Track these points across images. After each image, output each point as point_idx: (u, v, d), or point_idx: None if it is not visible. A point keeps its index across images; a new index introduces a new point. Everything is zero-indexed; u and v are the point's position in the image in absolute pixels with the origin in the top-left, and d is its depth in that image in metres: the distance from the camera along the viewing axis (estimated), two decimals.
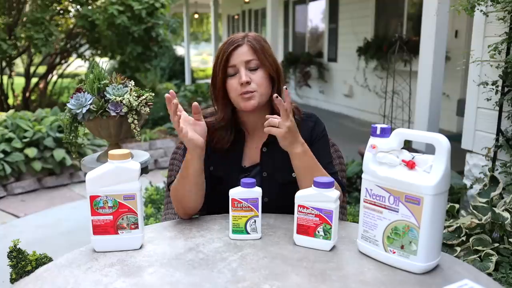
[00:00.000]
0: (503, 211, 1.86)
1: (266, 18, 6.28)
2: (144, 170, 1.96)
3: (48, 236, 3.14)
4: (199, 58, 24.00)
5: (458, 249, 1.82)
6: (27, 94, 6.61)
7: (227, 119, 1.30)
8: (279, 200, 1.23)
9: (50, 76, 7.01)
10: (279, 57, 9.31)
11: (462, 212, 2.23)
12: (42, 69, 7.33)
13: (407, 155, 0.96)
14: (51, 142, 4.19)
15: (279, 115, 1.16)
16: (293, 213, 1.05)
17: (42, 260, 1.50)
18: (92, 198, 1.00)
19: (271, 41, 1.30)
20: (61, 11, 6.13)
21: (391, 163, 0.95)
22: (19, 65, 8.84)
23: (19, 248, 1.50)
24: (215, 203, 1.30)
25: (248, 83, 1.22)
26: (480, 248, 1.78)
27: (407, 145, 1.90)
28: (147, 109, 1.80)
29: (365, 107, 7.01)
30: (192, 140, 1.12)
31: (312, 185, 1.02)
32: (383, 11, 6.74)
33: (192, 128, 1.14)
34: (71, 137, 1.85)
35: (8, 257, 1.49)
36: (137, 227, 1.04)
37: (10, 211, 3.67)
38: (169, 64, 11.78)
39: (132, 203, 1.02)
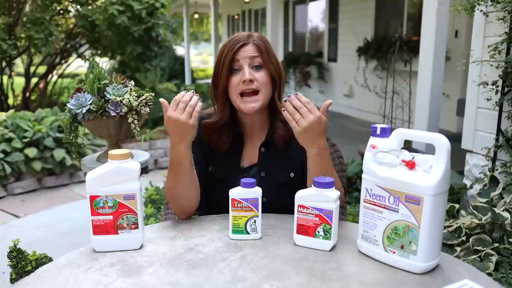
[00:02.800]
0: (503, 211, 1.86)
1: (266, 18, 6.28)
2: (144, 170, 1.95)
3: (48, 236, 3.14)
4: (199, 58, 24.01)
5: (458, 249, 1.82)
6: (27, 94, 6.61)
7: (226, 119, 1.28)
8: (277, 200, 1.23)
9: (50, 76, 7.00)
10: (279, 57, 9.30)
11: (462, 212, 2.23)
12: (42, 69, 7.33)
13: (407, 155, 0.96)
14: (51, 142, 4.19)
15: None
16: (291, 213, 1.05)
17: (42, 260, 1.50)
18: (92, 198, 1.00)
19: (271, 41, 1.29)
20: (61, 11, 6.12)
21: (391, 163, 0.95)
22: (19, 65, 8.84)
23: (19, 248, 1.50)
24: (214, 203, 1.30)
25: (251, 81, 1.21)
26: (480, 248, 1.77)
27: (407, 145, 1.90)
28: (147, 109, 1.79)
29: (365, 107, 7.01)
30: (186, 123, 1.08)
31: (312, 185, 1.02)
32: (383, 11, 6.74)
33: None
34: (71, 137, 1.85)
35: (8, 257, 1.49)
36: (137, 227, 1.04)
37: (10, 211, 3.67)
38: (169, 64, 11.78)
39: (132, 203, 1.02)
